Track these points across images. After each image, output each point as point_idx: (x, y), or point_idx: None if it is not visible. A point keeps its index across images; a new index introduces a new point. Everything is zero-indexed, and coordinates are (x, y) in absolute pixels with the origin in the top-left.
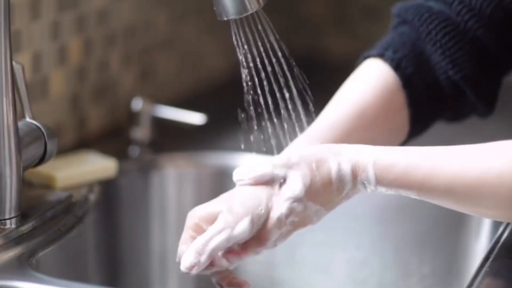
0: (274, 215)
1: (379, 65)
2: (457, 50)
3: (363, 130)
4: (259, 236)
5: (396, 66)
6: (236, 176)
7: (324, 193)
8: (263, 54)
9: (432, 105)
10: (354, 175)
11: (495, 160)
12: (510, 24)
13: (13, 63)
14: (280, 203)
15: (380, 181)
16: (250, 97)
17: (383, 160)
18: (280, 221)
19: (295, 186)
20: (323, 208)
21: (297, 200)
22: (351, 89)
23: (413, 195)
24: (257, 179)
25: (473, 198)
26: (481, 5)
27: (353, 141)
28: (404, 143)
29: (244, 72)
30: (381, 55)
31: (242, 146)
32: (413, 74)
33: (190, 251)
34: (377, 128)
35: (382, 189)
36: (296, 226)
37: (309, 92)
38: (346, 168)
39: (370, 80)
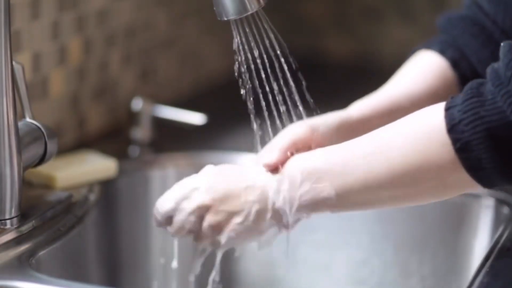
0: None
1: (431, 54)
2: (483, 49)
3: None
4: None
5: (442, 52)
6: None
7: None
8: (263, 54)
9: None
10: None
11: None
12: None
13: (13, 63)
14: None
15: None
16: (250, 97)
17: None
18: None
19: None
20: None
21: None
22: (415, 70)
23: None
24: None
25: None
26: (495, 13)
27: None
28: None
29: (244, 72)
30: (439, 51)
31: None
32: (459, 59)
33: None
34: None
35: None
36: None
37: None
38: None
39: (428, 64)
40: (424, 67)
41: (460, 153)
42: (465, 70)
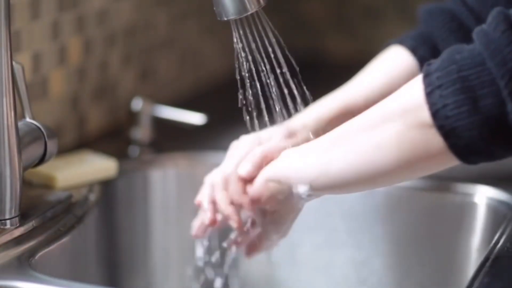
0: None
1: (402, 51)
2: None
3: None
4: None
5: (413, 50)
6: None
7: None
8: (263, 54)
9: None
10: None
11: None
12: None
13: (13, 63)
14: None
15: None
16: (250, 97)
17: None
18: None
19: None
20: None
21: None
22: (378, 68)
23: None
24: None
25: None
26: (479, 9)
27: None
28: None
29: (244, 72)
30: (410, 49)
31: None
32: (429, 59)
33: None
34: None
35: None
36: None
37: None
38: None
39: (396, 63)
40: (391, 67)
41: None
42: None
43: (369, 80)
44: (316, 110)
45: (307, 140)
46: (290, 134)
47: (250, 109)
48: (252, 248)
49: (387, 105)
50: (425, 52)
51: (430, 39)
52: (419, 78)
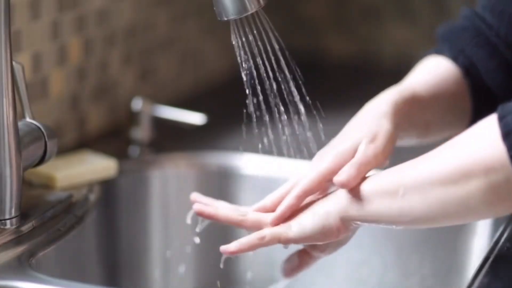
0: None
1: (442, 60)
2: (489, 60)
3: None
4: None
5: (454, 59)
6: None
7: None
8: (263, 54)
9: (486, 103)
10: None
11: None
12: None
13: (13, 63)
14: None
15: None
16: (250, 97)
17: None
18: None
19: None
20: None
21: None
22: (429, 73)
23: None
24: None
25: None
26: (498, 25)
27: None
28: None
29: (244, 72)
30: (451, 57)
31: (241, 148)
32: (470, 67)
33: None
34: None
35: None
36: None
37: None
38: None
39: (440, 69)
40: (438, 72)
41: None
42: (476, 79)
43: (421, 77)
44: (386, 99)
45: (389, 139)
46: (372, 138)
47: (249, 108)
48: (294, 267)
49: (465, 159)
50: (464, 61)
51: (463, 52)
52: (493, 120)
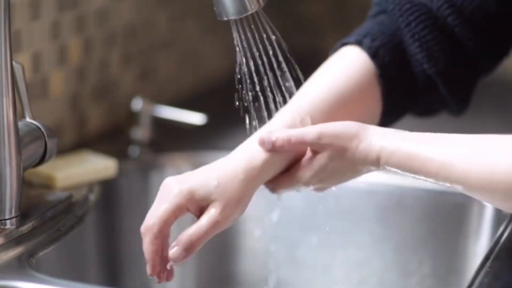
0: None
1: (357, 52)
2: (435, 44)
3: (339, 114)
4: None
5: (374, 55)
6: (262, 138)
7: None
8: (263, 54)
9: (405, 97)
10: (377, 158)
11: (506, 154)
12: (490, 27)
13: (13, 63)
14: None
15: (399, 167)
16: (250, 97)
17: (403, 150)
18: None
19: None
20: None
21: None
22: (329, 73)
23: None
24: (284, 144)
25: (485, 190)
26: (462, 3)
27: (330, 121)
28: None
29: (244, 72)
30: (358, 43)
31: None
32: (389, 64)
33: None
34: (350, 115)
35: (396, 171)
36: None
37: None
38: (372, 151)
39: (348, 66)
40: (344, 64)
41: None
42: (393, 79)
43: (320, 88)
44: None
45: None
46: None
47: (249, 108)
48: (282, 182)
49: None
50: (385, 54)
51: (393, 33)
52: None
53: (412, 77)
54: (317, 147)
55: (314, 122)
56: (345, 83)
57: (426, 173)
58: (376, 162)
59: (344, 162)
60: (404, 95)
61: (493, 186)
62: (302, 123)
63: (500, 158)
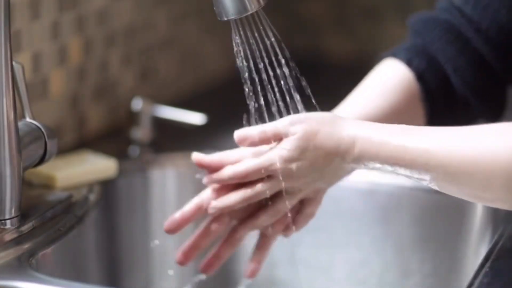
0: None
1: (397, 63)
2: (458, 57)
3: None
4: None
5: (420, 76)
6: (239, 135)
7: (322, 159)
8: (263, 54)
9: (445, 105)
10: (351, 146)
11: (490, 141)
12: (507, 41)
13: (13, 63)
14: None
15: (376, 158)
16: (250, 97)
17: (377, 138)
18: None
19: (289, 144)
20: (322, 176)
21: (288, 159)
22: (377, 83)
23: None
24: (261, 136)
25: (466, 176)
26: (480, 19)
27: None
28: None
29: (244, 72)
30: (405, 61)
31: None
32: (424, 70)
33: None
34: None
35: (375, 166)
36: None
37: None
38: (344, 138)
39: (391, 76)
40: (388, 80)
41: None
42: (430, 82)
43: (365, 98)
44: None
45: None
46: None
47: (252, 110)
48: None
49: None
50: (419, 64)
51: (425, 50)
52: None
53: (448, 86)
54: (290, 130)
55: None
56: (394, 93)
57: (401, 160)
58: (350, 151)
59: (317, 151)
60: (443, 102)
61: (477, 171)
62: None
63: (490, 142)
